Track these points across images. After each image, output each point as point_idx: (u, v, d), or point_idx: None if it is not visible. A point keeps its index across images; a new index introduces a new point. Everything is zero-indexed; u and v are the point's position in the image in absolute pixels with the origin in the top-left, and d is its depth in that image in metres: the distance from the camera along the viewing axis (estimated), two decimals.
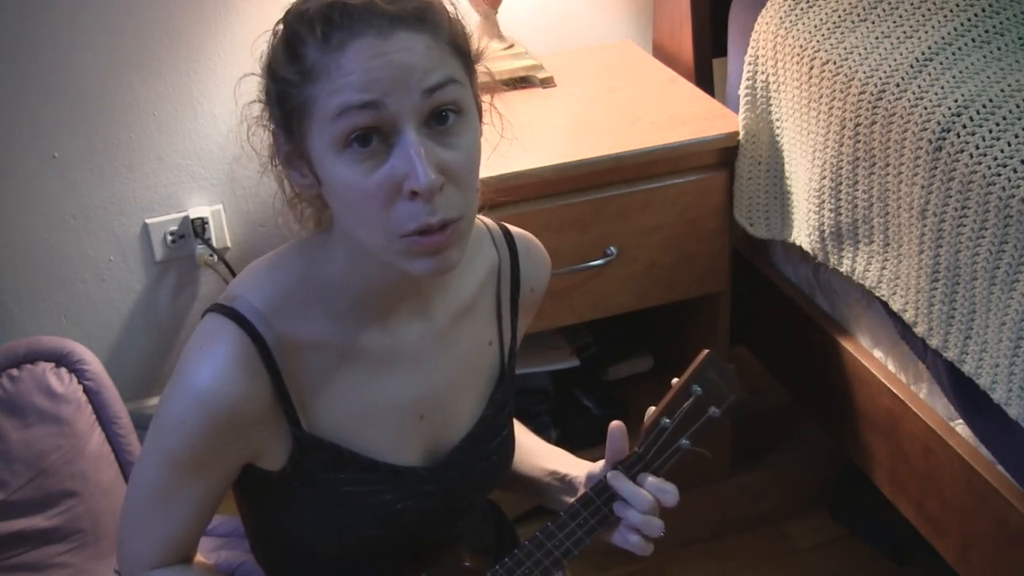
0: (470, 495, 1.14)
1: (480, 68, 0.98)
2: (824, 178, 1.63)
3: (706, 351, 1.09)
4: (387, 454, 1.06)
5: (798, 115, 1.69)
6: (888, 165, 1.49)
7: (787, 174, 1.77)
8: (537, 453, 1.24)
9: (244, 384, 0.96)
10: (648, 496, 1.06)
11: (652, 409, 1.08)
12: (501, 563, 1.08)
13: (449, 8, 0.94)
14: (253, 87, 0.97)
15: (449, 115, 0.90)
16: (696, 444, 1.07)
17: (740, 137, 1.82)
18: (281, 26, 0.93)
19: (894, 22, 1.58)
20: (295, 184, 0.98)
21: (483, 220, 1.14)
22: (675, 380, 1.09)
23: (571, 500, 1.12)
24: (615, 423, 1.08)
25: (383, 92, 0.87)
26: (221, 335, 0.97)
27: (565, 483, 1.18)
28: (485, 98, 1.01)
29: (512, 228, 1.17)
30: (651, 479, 1.07)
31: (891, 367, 1.66)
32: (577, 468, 1.18)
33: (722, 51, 2.01)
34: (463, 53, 0.94)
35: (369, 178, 0.89)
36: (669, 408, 1.07)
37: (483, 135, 1.00)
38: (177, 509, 1.03)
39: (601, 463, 1.12)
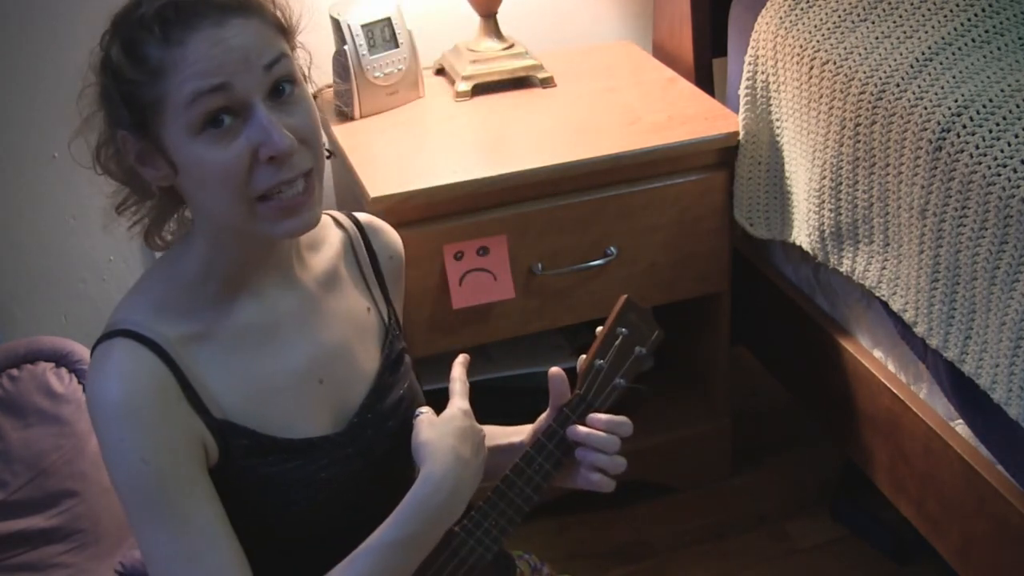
0: (390, 454, 1.16)
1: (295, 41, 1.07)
2: (824, 178, 1.63)
3: (624, 296, 1.18)
4: (299, 427, 1.09)
5: (798, 115, 1.69)
6: (888, 165, 1.49)
7: (787, 174, 1.77)
8: None
9: (149, 374, 1.00)
10: (616, 439, 1.13)
11: (583, 356, 1.17)
12: (468, 517, 1.11)
13: None
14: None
15: (286, 87, 0.99)
16: (630, 382, 1.16)
17: (740, 137, 1.82)
18: (110, 36, 0.99)
19: (894, 22, 1.58)
20: (148, 178, 1.02)
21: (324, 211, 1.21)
22: (599, 329, 1.17)
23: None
24: (555, 369, 1.16)
25: (229, 74, 0.95)
26: (110, 351, 1.01)
27: (512, 450, 1.21)
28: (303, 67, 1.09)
29: (354, 212, 1.24)
30: (606, 417, 1.14)
31: (891, 367, 1.66)
32: (517, 434, 1.23)
33: (722, 51, 2.01)
34: (285, 31, 1.03)
35: (227, 152, 0.96)
36: (600, 351, 1.16)
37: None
38: (205, 543, 0.99)
39: (542, 417, 1.19)
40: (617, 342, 1.16)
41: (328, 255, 1.17)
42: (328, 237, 1.18)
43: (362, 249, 1.21)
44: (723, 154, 1.83)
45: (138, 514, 0.99)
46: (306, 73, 1.08)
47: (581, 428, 1.13)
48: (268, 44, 0.98)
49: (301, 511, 1.08)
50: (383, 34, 1.90)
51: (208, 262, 1.05)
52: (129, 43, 0.97)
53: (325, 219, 1.20)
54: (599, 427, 1.13)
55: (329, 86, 1.96)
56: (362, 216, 1.24)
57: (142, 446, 0.97)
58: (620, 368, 1.16)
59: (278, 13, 1.02)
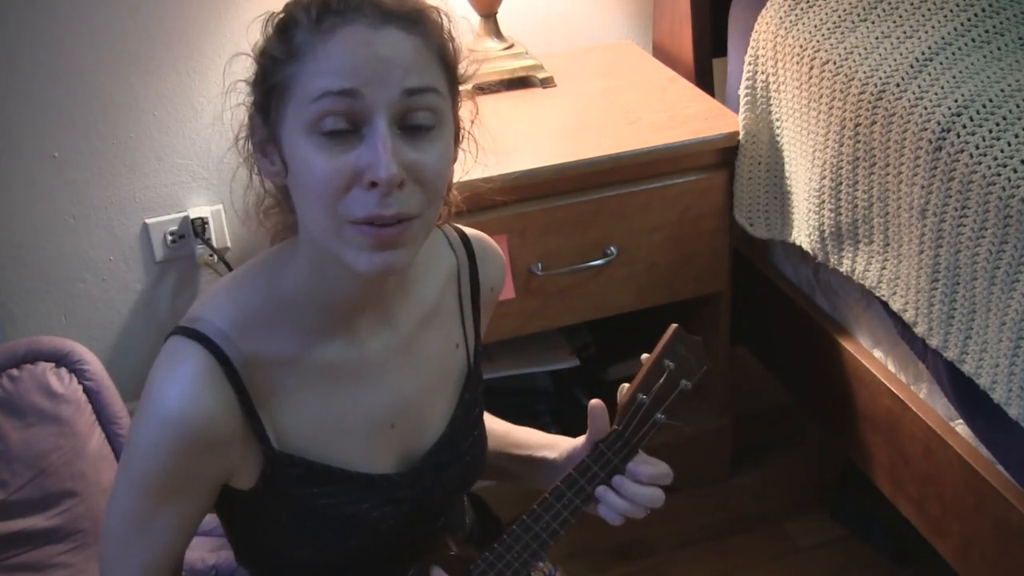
0: (446, 497, 1.14)
1: (464, 91, 1.00)
2: (824, 178, 1.63)
3: (674, 326, 1.10)
4: (360, 464, 1.05)
5: (798, 115, 1.69)
6: (888, 165, 1.49)
7: (787, 174, 1.77)
8: (508, 437, 1.25)
9: (212, 404, 0.95)
10: (659, 492, 1.07)
11: (625, 386, 1.09)
12: (490, 549, 1.09)
13: (445, 22, 0.96)
14: (240, 70, 0.98)
15: (424, 121, 0.91)
16: (671, 417, 1.08)
17: (740, 137, 1.82)
18: (280, 12, 0.94)
19: (894, 22, 1.58)
20: (264, 172, 0.98)
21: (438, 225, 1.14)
22: (645, 356, 1.10)
23: (547, 478, 1.14)
24: (595, 401, 1.08)
25: (362, 81, 0.88)
26: (186, 357, 0.96)
27: (539, 463, 1.19)
28: (465, 124, 1.03)
29: (466, 229, 1.17)
30: (649, 470, 1.06)
31: (891, 367, 1.66)
32: (550, 447, 1.19)
33: (722, 51, 2.01)
34: (449, 68, 0.96)
35: (333, 161, 0.89)
36: (644, 384, 1.08)
37: (457, 159, 1.02)
38: (156, 535, 1.02)
39: (580, 440, 1.13)
40: (663, 377, 1.08)
41: (434, 289, 1.10)
42: (438, 264, 1.11)
43: (467, 278, 1.14)
44: (723, 154, 1.83)
45: (122, 488, 1.01)
46: (466, 128, 1.02)
47: (630, 485, 1.07)
48: (420, 69, 0.90)
49: (347, 546, 1.06)
50: None
51: (310, 286, 0.99)
52: (285, 20, 0.92)
53: (439, 236, 1.12)
54: (643, 480, 1.07)
55: None
56: (472, 235, 1.16)
57: (165, 464, 0.97)
58: (663, 403, 1.08)
59: (449, 45, 0.95)
